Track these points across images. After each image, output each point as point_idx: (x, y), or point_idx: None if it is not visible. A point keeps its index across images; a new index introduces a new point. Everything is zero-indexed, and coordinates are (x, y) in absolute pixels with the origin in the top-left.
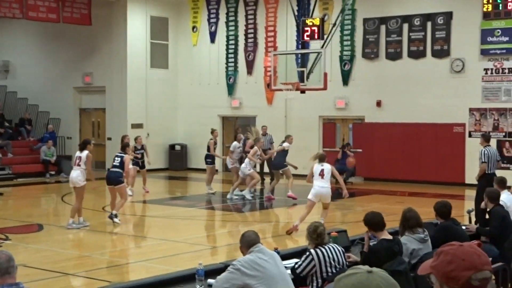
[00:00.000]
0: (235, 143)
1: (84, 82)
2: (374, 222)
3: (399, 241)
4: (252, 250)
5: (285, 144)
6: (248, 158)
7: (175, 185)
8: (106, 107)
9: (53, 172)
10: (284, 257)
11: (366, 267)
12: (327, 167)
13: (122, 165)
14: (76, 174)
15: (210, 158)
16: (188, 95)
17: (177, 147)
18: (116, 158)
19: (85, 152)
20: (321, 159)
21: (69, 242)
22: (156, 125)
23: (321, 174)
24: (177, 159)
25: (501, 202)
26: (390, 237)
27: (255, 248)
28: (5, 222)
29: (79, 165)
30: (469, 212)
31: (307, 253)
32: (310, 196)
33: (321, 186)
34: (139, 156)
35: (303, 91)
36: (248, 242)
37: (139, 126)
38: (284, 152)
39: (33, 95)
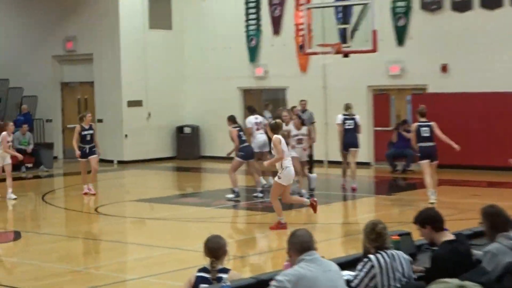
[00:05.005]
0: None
1: (65, 49)
2: (435, 218)
3: (464, 239)
4: (304, 258)
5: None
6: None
7: (185, 178)
8: (94, 80)
9: (30, 165)
10: None
11: (456, 281)
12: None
13: None
14: None
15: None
16: (198, 63)
17: (187, 130)
18: None
19: None
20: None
21: (54, 253)
22: (158, 102)
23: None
24: (187, 145)
25: None
26: (452, 236)
27: (308, 255)
28: None
29: None
30: None
31: (365, 259)
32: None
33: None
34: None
35: (346, 55)
36: (300, 244)
37: (137, 103)
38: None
39: (0, 67)
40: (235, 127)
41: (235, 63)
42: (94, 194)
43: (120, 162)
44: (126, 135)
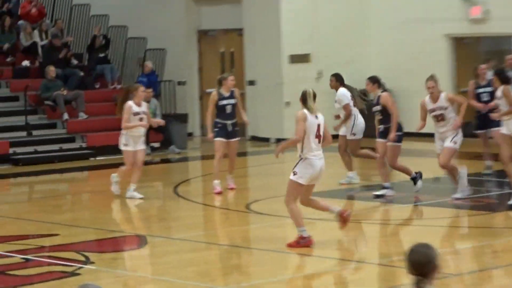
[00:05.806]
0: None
1: None
2: None
3: None
4: None
5: None
6: None
7: (369, 163)
8: (244, 27)
9: (156, 145)
10: None
11: None
12: None
13: None
14: None
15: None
16: (388, 2)
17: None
18: None
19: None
20: None
21: (192, 266)
22: (332, 56)
23: None
24: (373, 116)
25: None
26: None
27: None
28: (82, 233)
29: None
30: None
31: None
32: None
33: None
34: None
35: None
36: None
37: (303, 59)
38: None
39: (116, 10)
40: (384, 90)
41: (441, 0)
42: (232, 189)
43: (279, 140)
44: (287, 103)
